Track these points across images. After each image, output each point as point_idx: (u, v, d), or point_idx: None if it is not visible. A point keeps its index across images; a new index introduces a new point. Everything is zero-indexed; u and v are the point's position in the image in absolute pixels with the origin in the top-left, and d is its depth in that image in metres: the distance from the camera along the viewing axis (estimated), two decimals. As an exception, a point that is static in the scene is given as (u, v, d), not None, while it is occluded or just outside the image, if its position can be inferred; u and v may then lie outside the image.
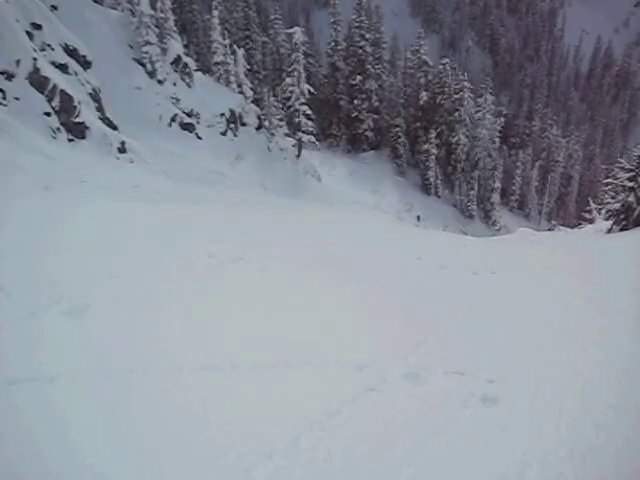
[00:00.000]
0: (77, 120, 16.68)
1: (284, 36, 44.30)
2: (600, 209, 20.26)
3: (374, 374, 3.63)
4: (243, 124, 31.88)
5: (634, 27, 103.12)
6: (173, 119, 26.57)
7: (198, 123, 28.36)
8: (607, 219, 17.82)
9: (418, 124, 46.52)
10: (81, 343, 3.17)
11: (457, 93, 45.16)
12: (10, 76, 14.80)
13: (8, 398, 2.42)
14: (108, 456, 2.18)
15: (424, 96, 45.34)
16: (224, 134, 29.96)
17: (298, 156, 33.29)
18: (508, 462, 2.76)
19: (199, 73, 31.59)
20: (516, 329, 5.05)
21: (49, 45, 17.43)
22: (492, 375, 3.76)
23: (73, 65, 18.52)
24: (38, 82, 15.56)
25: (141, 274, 4.55)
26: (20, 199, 7.10)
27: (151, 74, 26.76)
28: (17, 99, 14.79)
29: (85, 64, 19.78)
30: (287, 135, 33.04)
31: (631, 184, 16.27)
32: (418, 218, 35.84)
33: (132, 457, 2.22)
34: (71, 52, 18.89)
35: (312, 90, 34.45)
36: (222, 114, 30.11)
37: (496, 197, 45.81)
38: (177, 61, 28.85)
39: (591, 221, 21.03)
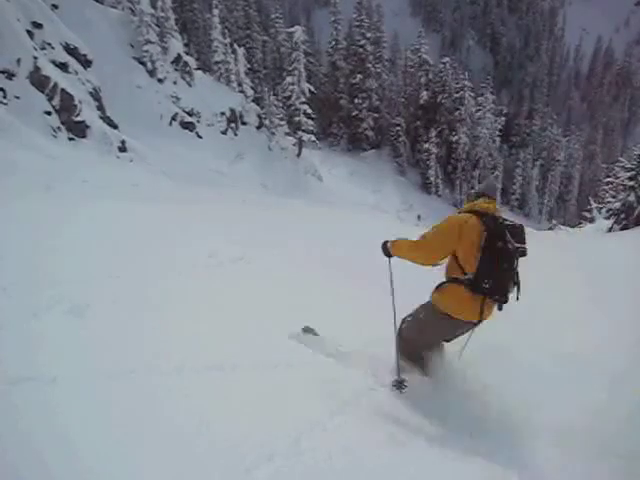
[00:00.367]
0: (78, 119, 16.69)
1: (285, 35, 44.33)
2: (600, 208, 20.28)
3: (374, 374, 3.63)
4: (243, 123, 31.89)
5: (635, 26, 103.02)
6: (173, 118, 26.58)
7: (198, 122, 28.36)
8: (607, 218, 17.84)
9: (418, 123, 46.54)
10: (82, 343, 3.18)
11: (457, 92, 45.20)
12: (11, 75, 14.80)
13: (9, 398, 2.42)
14: (108, 456, 2.18)
15: (424, 95, 45.36)
16: (224, 133, 29.97)
17: (298, 155, 33.29)
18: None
19: (199, 72, 31.60)
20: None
21: (49, 44, 17.44)
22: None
23: (73, 64, 18.53)
24: (39, 81, 15.57)
25: (142, 274, 4.56)
26: (21, 199, 7.11)
27: (151, 73, 26.77)
28: (17, 98, 14.79)
29: (85, 63, 19.80)
30: (287, 134, 33.06)
31: (631, 183, 16.30)
32: (418, 217, 35.86)
33: (133, 457, 2.23)
34: (72, 51, 18.90)
35: (312, 89, 34.47)
36: (222, 113, 30.11)
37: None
38: (177, 60, 28.86)
39: (591, 220, 21.04)
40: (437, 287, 3.32)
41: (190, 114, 27.96)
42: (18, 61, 15.06)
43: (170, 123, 26.45)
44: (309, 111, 33.30)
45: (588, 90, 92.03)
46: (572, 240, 16.06)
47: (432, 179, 44.31)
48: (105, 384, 2.71)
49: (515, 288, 3.17)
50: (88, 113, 17.51)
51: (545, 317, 5.45)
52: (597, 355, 4.29)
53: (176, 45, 29.05)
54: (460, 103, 44.72)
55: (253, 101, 34.18)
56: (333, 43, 46.15)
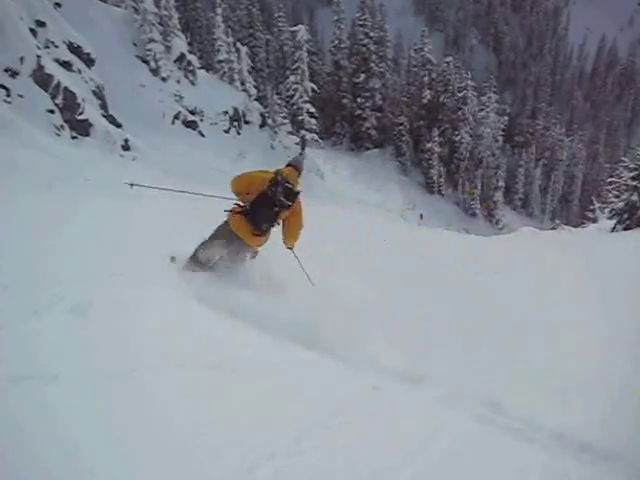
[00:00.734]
0: (81, 117, 16.73)
1: (288, 34, 44.28)
2: (603, 208, 20.23)
3: (375, 374, 3.64)
4: (246, 122, 31.91)
5: (638, 26, 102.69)
6: (176, 117, 26.63)
7: (201, 121, 28.40)
8: (610, 218, 17.79)
9: (421, 122, 46.48)
10: (83, 342, 3.17)
11: (461, 91, 45.13)
12: (14, 73, 14.83)
13: (8, 397, 2.42)
14: (108, 456, 2.17)
15: (427, 94, 45.32)
16: (227, 132, 30.00)
17: (301, 154, 33.26)
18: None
19: (202, 71, 31.63)
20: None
21: (53, 42, 17.47)
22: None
23: (77, 62, 18.57)
24: (42, 79, 15.60)
25: (143, 273, 4.55)
26: (23, 197, 7.10)
27: (155, 72, 26.81)
28: (21, 96, 14.83)
29: (89, 61, 19.84)
30: (290, 133, 33.07)
31: (634, 183, 16.25)
32: (421, 216, 35.87)
33: (133, 457, 2.22)
34: (75, 49, 18.93)
35: (315, 88, 34.48)
36: (225, 112, 30.14)
37: (499, 196, 45.75)
38: (181, 59, 28.89)
39: (594, 220, 20.99)
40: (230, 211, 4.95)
41: (193, 113, 28.00)
42: (21, 59, 15.09)
43: (173, 122, 26.50)
44: (312, 110, 33.32)
45: (591, 90, 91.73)
46: (575, 240, 16.01)
47: (435, 178, 44.25)
48: (105, 383, 2.71)
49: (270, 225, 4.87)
50: (91, 111, 17.54)
51: (545, 317, 5.45)
52: (597, 355, 4.28)
53: (179, 44, 29.07)
54: (463, 102, 44.64)
55: (256, 100, 34.19)
56: (336, 42, 46.09)
